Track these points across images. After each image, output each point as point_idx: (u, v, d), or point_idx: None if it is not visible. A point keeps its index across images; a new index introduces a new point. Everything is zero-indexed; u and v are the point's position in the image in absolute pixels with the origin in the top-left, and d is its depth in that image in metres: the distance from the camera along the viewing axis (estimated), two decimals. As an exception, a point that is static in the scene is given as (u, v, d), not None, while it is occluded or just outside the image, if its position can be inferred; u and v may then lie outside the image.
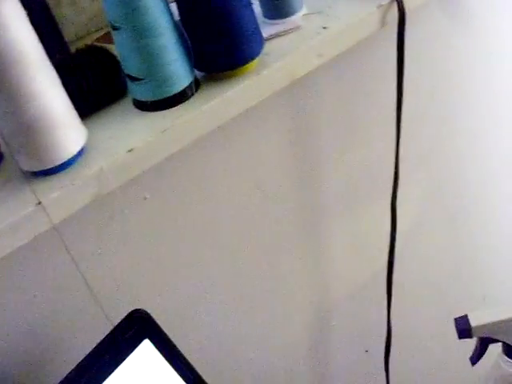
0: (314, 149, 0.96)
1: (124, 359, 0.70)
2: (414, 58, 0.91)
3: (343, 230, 1.07)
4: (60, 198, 0.66)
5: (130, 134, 0.72)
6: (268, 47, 0.80)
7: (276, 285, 1.01)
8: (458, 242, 1.30)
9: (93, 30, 0.97)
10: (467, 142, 1.21)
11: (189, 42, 0.74)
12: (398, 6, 0.83)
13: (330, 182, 1.01)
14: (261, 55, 0.78)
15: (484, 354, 0.84)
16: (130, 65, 0.72)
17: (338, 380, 1.19)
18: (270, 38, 0.82)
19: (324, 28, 0.81)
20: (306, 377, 1.14)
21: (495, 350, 0.85)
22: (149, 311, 0.71)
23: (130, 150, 0.69)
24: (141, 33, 0.70)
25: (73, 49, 0.84)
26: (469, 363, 0.88)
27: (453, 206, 1.25)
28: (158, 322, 0.71)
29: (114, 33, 0.71)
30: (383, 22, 0.84)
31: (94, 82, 0.75)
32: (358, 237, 1.10)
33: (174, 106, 0.74)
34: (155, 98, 0.73)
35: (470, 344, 0.86)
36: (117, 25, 0.70)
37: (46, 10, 0.86)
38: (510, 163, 1.33)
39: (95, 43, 0.89)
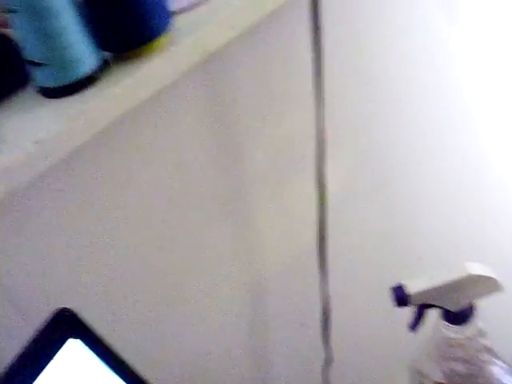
0: (234, 123, 0.93)
1: (49, 361, 0.66)
2: (331, 25, 0.88)
3: (270, 205, 1.05)
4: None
5: (36, 123, 0.67)
6: (178, 22, 0.76)
7: (206, 267, 0.99)
8: (389, 209, 1.30)
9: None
10: (392, 107, 1.20)
11: (92, 20, 0.69)
12: (311, -30, 0.80)
13: (254, 155, 0.98)
14: (171, 31, 0.74)
15: (422, 320, 0.84)
16: (30, 49, 0.67)
17: (276, 356, 1.18)
18: (180, 12, 0.78)
19: (235, -2, 0.78)
20: (243, 358, 1.13)
21: (434, 314, 0.85)
22: (74, 309, 0.68)
23: (37, 142, 0.65)
24: (38, 14, 0.65)
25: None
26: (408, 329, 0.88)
27: (381, 172, 1.24)
28: (85, 319, 0.68)
29: (10, 16, 0.66)
30: (296, -11, 0.82)
31: (-7, 71, 0.70)
32: (286, 211, 1.09)
33: (82, 91, 0.69)
34: (60, 84, 0.69)
35: (409, 310, 0.86)
36: (13, 7, 0.65)
37: None
38: (436, 127, 1.33)
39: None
